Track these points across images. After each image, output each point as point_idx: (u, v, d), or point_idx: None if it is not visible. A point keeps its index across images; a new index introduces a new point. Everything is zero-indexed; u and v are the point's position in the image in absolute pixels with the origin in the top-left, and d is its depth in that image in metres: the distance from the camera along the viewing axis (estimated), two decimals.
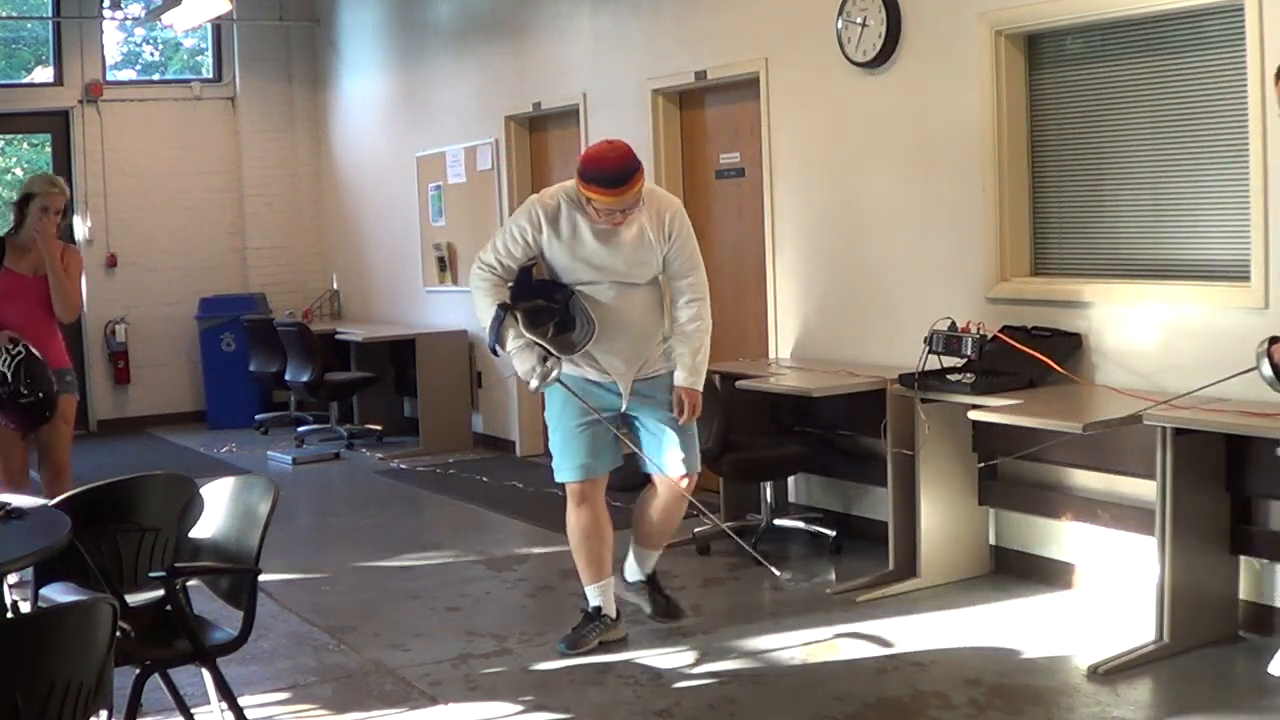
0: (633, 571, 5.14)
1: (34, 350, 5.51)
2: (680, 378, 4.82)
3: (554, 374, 4.70)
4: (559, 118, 8.57)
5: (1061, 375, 5.19)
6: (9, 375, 5.41)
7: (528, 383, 4.74)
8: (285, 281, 11.46)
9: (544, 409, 4.97)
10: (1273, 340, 3.75)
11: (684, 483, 4.87)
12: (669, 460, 4.84)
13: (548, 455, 4.98)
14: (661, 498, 4.93)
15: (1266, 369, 3.72)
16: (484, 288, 4.79)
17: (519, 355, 4.71)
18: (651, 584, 5.14)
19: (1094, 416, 4.67)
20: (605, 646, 4.91)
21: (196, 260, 11.23)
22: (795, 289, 6.72)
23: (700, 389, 4.85)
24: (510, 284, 4.81)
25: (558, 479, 4.94)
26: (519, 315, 4.71)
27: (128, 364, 11.04)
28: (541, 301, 4.74)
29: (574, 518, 4.91)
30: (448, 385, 9.51)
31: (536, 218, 4.73)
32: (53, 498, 4.95)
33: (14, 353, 5.45)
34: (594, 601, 4.96)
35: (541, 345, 4.69)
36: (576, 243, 4.71)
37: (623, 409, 4.85)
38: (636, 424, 4.91)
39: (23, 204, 5.84)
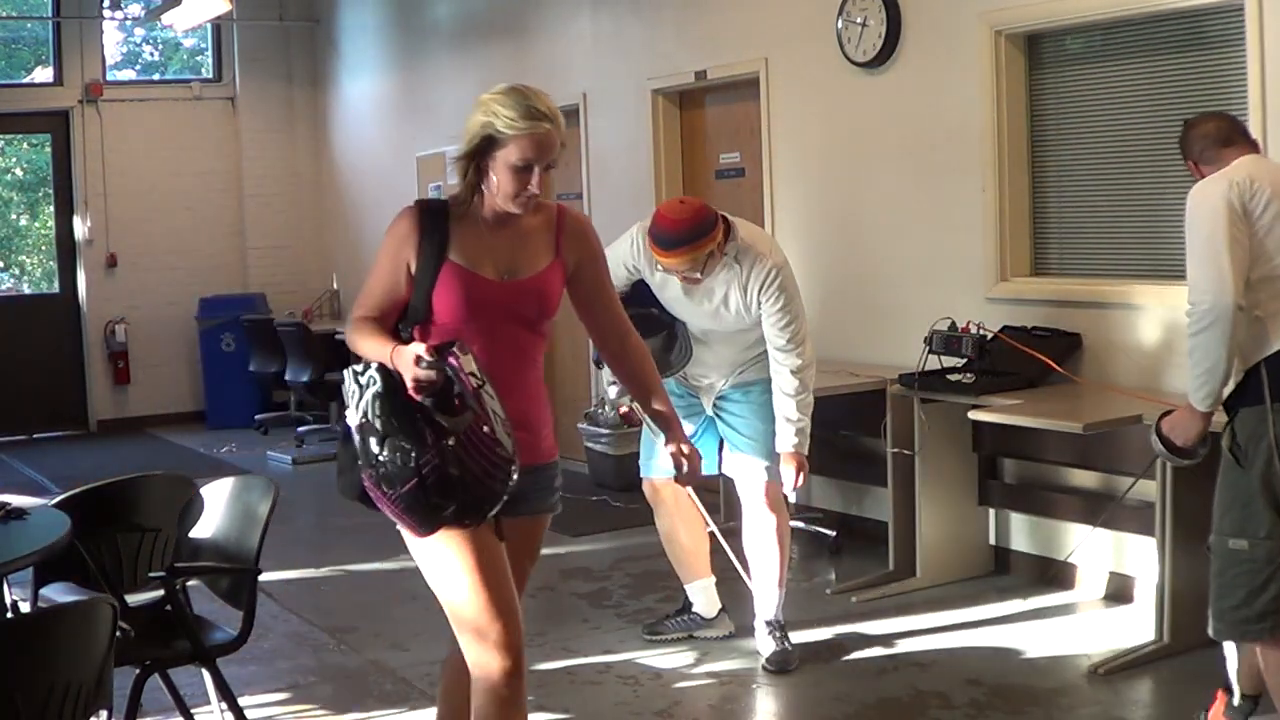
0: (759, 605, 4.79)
1: (466, 367, 2.80)
2: (781, 443, 4.57)
3: None
4: None
5: (1061, 375, 5.19)
6: (368, 417, 2.86)
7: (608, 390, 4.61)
8: (285, 281, 11.45)
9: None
10: (1163, 415, 3.79)
11: (760, 490, 4.61)
12: (741, 465, 4.68)
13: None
14: (746, 518, 4.70)
15: (1156, 444, 3.76)
16: None
17: None
18: (771, 627, 4.72)
19: (1094, 416, 4.68)
20: (611, 650, 4.91)
21: (196, 260, 11.22)
22: None
23: (803, 453, 4.57)
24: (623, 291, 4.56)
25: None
26: None
27: (128, 364, 11.03)
28: (653, 310, 4.54)
29: (657, 521, 4.90)
30: None
31: (635, 249, 4.55)
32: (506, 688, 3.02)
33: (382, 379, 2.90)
34: (690, 597, 4.96)
35: None
36: (664, 285, 4.57)
37: (708, 411, 4.74)
38: (721, 420, 4.74)
39: (481, 152, 2.96)
